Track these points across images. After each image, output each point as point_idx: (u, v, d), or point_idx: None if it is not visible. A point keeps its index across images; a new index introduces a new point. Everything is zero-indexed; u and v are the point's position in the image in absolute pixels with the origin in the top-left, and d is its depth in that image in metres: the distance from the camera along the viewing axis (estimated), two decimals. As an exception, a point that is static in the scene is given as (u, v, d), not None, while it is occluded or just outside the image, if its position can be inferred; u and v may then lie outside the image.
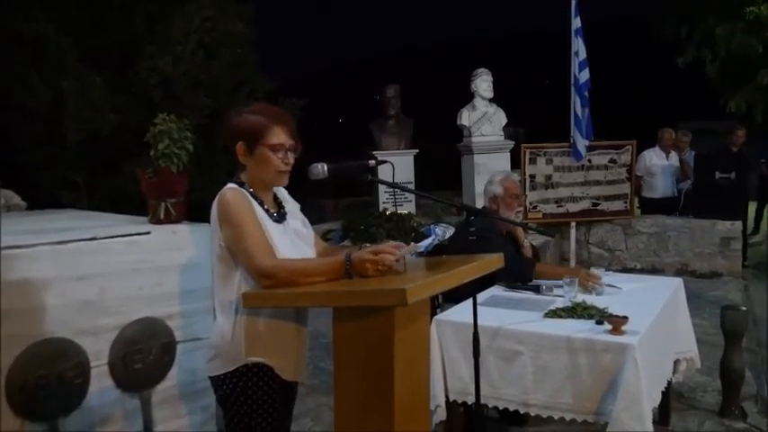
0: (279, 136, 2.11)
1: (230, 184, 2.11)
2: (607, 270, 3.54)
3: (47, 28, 8.64)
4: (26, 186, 7.27)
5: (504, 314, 2.99)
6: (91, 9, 9.21)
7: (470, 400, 2.84)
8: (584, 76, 6.95)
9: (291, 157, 2.14)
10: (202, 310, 2.90)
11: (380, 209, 7.47)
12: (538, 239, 7.08)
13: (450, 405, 2.96)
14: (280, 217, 2.17)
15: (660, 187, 8.12)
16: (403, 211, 7.09)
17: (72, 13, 9.08)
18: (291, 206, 2.29)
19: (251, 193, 2.10)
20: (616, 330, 2.65)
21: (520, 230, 3.90)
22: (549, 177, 7.36)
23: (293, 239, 2.17)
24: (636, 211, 8.18)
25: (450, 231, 3.52)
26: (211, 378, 2.13)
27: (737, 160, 7.73)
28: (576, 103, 6.99)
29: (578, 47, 6.95)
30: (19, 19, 8.59)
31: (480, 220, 3.88)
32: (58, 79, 8.63)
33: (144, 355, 2.75)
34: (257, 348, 2.05)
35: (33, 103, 8.67)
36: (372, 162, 2.26)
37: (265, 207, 2.13)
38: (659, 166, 8.06)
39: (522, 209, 4.02)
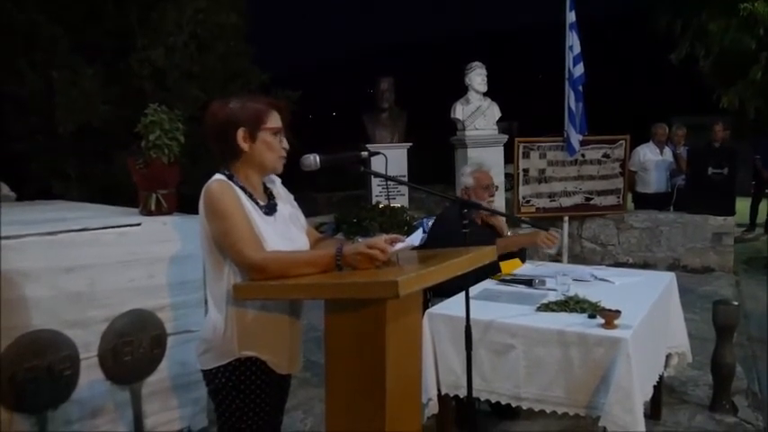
0: (277, 120, 2.11)
1: (217, 176, 2.07)
2: (599, 264, 3.55)
3: (39, 17, 8.57)
4: (17, 176, 7.25)
5: (497, 308, 2.98)
6: (84, -2, 9.15)
7: (462, 393, 2.83)
8: (579, 70, 6.94)
9: (286, 143, 2.14)
10: (193, 302, 2.89)
11: (373, 202, 7.47)
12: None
13: (443, 398, 2.96)
14: (269, 209, 2.13)
15: (654, 182, 8.13)
16: (396, 204, 7.09)
17: (65, 2, 9.00)
18: (285, 196, 2.25)
19: (239, 186, 2.06)
20: (608, 324, 2.65)
21: (499, 221, 3.91)
22: (542, 171, 7.37)
23: (285, 230, 2.13)
24: (630, 205, 8.20)
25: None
26: (203, 371, 2.11)
27: (728, 156, 7.75)
28: (570, 98, 6.98)
29: (573, 41, 6.94)
30: (11, 7, 8.50)
31: (452, 209, 3.87)
32: (50, 69, 8.56)
33: (134, 347, 2.74)
34: (251, 342, 2.03)
35: (25, 92, 8.60)
36: (365, 153, 2.25)
37: (254, 198, 2.09)
38: (653, 161, 8.08)
39: (493, 199, 4.02)
